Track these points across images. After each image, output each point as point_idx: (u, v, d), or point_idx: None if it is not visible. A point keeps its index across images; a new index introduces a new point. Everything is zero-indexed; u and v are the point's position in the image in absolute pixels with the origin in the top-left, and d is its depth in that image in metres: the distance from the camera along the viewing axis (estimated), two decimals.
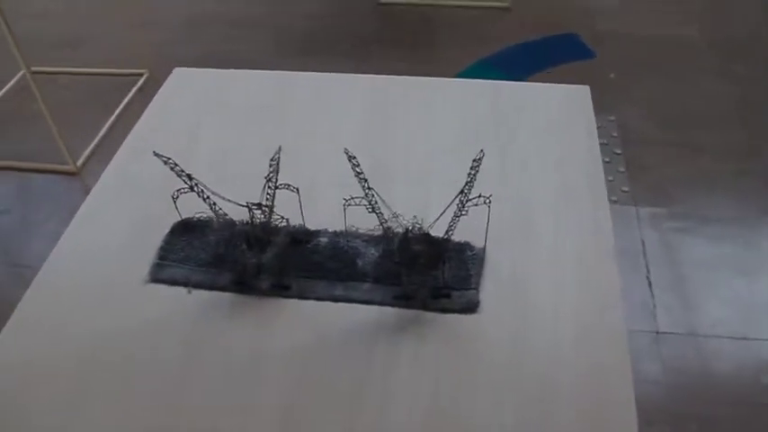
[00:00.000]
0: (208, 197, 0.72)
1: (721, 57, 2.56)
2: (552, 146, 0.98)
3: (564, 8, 2.93)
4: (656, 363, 1.61)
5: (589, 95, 1.08)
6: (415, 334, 0.74)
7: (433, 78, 1.12)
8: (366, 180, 0.68)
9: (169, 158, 0.67)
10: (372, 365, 0.71)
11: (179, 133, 1.03)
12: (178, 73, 1.17)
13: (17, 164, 2.28)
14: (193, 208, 0.87)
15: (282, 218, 0.78)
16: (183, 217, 0.86)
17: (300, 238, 0.84)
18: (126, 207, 0.91)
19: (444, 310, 0.76)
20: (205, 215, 0.87)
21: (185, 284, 0.79)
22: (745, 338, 1.66)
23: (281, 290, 0.78)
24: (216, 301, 0.79)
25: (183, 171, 0.69)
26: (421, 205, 0.87)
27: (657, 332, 1.68)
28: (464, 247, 0.82)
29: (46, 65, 2.63)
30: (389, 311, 0.77)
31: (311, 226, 0.85)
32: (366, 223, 0.84)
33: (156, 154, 0.69)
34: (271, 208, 0.74)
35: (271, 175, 0.71)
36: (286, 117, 1.06)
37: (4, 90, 2.58)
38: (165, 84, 1.14)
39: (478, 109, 1.06)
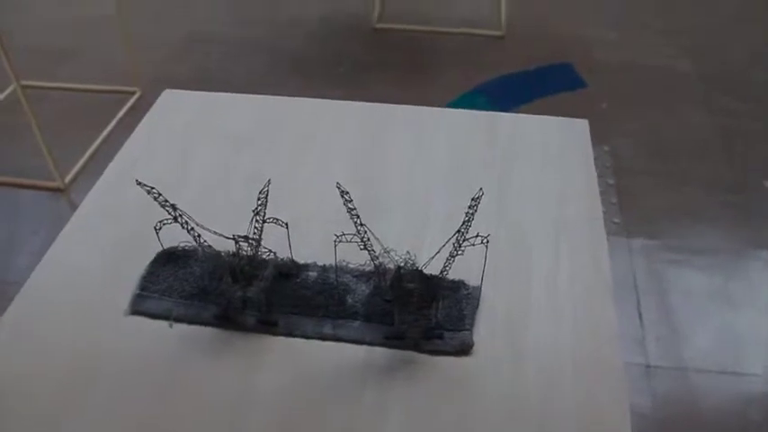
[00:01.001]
0: (192, 229, 0.69)
1: (711, 90, 2.58)
2: (550, 179, 0.96)
3: (560, 37, 2.94)
4: (646, 396, 1.59)
5: (587, 129, 1.07)
6: (407, 376, 0.71)
7: (427, 108, 1.11)
8: (358, 216, 0.65)
9: (153, 188, 0.64)
10: (361, 408, 0.68)
11: (166, 159, 1.00)
12: (168, 95, 1.14)
13: (3, 179, 2.24)
14: (178, 237, 0.84)
15: (270, 251, 0.75)
16: (168, 246, 0.83)
17: (288, 271, 0.81)
18: (110, 231, 0.88)
19: (437, 352, 0.73)
20: (190, 245, 0.85)
21: (167, 318, 0.76)
22: (734, 373, 1.64)
23: (267, 326, 0.75)
24: (198, 335, 0.75)
25: (166, 201, 0.66)
26: (415, 240, 0.85)
27: (648, 365, 1.65)
28: (458, 285, 0.79)
29: (39, 79, 2.61)
30: (380, 352, 0.74)
31: (300, 259, 0.83)
32: (357, 258, 0.82)
33: (139, 183, 0.66)
34: (258, 241, 0.71)
35: (259, 208, 0.68)
36: (277, 144, 1.04)
37: None
38: (154, 106, 1.11)
39: (474, 140, 1.04)
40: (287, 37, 2.99)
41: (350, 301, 0.78)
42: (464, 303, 0.77)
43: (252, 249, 0.72)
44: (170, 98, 1.14)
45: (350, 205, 0.63)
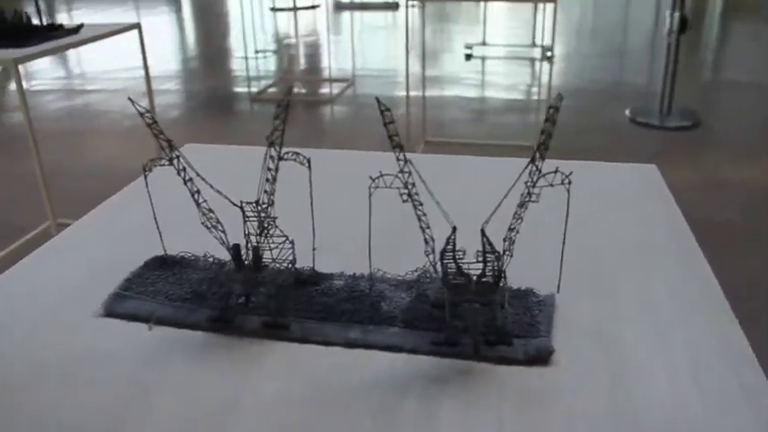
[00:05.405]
0: (190, 179, 0.55)
1: (763, 240, 2.42)
2: (625, 217, 0.80)
3: None
4: None
5: (659, 173, 0.92)
6: (462, 389, 0.51)
7: (473, 157, 0.98)
8: (401, 148, 0.50)
9: (147, 111, 0.51)
10: (400, 427, 0.48)
11: (179, 190, 0.88)
12: (189, 148, 1.05)
13: None
14: (179, 247, 0.69)
15: (287, 238, 0.59)
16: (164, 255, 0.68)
17: (307, 279, 0.64)
18: (103, 246, 0.73)
19: (503, 360, 0.53)
20: (190, 254, 0.69)
21: (147, 321, 0.59)
22: None
23: (274, 329, 0.57)
24: (185, 340, 0.57)
25: (162, 133, 0.52)
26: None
27: None
28: (527, 293, 0.61)
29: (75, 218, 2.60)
30: (425, 360, 0.54)
31: (323, 270, 0.66)
32: (394, 268, 0.65)
33: (130, 99, 0.53)
34: (271, 197, 0.55)
35: (275, 135, 0.53)
36: (304, 185, 0.91)
37: (26, 237, 2.52)
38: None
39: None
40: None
41: (385, 307, 0.60)
42: (535, 310, 0.58)
43: (261, 218, 0.56)
44: (192, 151, 1.04)
45: (390, 128, 0.49)
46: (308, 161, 0.56)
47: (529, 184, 0.49)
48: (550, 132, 0.47)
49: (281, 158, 0.54)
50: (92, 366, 0.54)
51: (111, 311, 0.60)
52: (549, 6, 6.13)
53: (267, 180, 0.54)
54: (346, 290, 0.63)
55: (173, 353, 0.55)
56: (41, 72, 5.24)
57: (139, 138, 3.59)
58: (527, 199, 0.49)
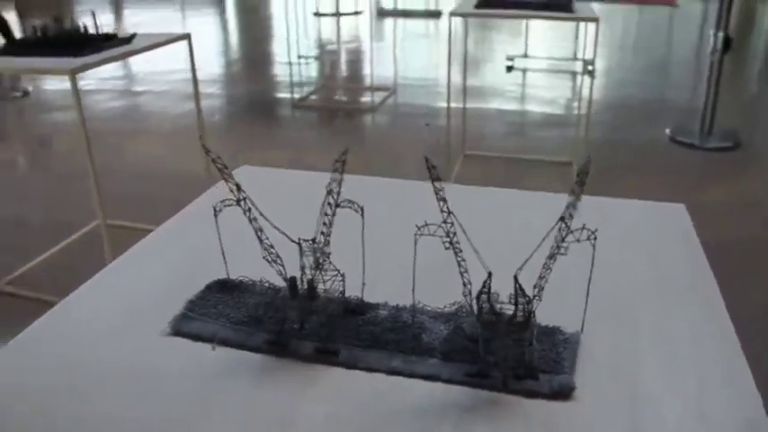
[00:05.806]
0: (255, 219, 0.61)
1: None
2: (650, 257, 0.85)
3: None
4: None
5: (686, 214, 0.96)
6: (491, 418, 0.57)
7: (510, 190, 1.04)
8: (445, 201, 0.56)
9: (218, 157, 0.58)
10: None
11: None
12: (245, 170, 1.12)
13: None
14: (240, 271, 0.76)
15: (338, 272, 0.66)
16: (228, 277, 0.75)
17: (355, 308, 0.70)
18: (172, 263, 0.81)
19: (530, 394, 0.59)
20: (248, 279, 0.76)
21: (210, 341, 0.66)
22: None
23: (325, 355, 0.64)
24: (244, 361, 0.64)
25: (231, 176, 0.59)
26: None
27: None
28: (553, 331, 0.67)
29: (125, 220, 2.71)
30: (459, 390, 0.60)
31: (370, 299, 0.72)
32: (434, 301, 0.71)
33: (203, 146, 0.60)
34: (327, 238, 0.62)
35: (332, 185, 0.60)
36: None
37: (75, 236, 2.64)
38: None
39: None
40: None
41: (425, 339, 0.66)
42: (561, 348, 0.64)
43: (318, 257, 0.62)
44: (247, 173, 1.11)
45: (437, 185, 0.55)
46: (362, 209, 0.62)
47: (558, 239, 0.55)
48: (579, 194, 0.52)
49: (338, 206, 0.61)
50: (160, 381, 0.61)
51: (177, 331, 0.67)
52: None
53: (324, 224, 0.61)
54: (390, 320, 0.69)
55: (234, 373, 0.62)
56: (87, 73, 5.42)
57: (182, 140, 3.71)
58: (556, 252, 0.55)
